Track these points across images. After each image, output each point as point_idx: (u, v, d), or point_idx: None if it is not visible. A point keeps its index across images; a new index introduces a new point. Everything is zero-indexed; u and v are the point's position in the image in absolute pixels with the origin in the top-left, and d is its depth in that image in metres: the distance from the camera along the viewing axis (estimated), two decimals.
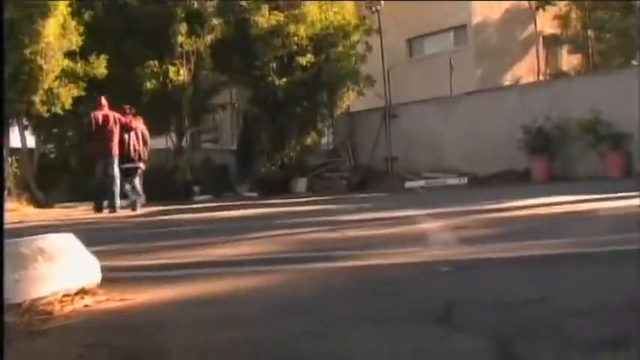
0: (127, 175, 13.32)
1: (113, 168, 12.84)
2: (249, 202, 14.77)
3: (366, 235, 6.11)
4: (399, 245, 5.01)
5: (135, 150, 13.49)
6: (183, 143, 19.85)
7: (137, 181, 13.65)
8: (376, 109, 21.42)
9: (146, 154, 13.96)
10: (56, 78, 16.02)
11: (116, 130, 12.96)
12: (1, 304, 1.87)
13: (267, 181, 18.85)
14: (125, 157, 13.23)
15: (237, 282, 3.75)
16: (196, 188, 18.51)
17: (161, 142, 20.80)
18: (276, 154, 19.59)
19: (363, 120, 21.79)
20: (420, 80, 24.14)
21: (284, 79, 18.44)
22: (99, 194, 13.11)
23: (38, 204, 16.70)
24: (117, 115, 13.20)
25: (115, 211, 12.70)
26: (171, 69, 18.16)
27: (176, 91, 18.33)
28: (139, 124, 13.88)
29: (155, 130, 19.48)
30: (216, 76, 19.32)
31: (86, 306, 3.35)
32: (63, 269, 3.63)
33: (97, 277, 3.83)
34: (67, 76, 16.37)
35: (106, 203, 12.89)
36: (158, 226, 9.36)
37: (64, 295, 3.49)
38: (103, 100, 13.24)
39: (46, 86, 15.73)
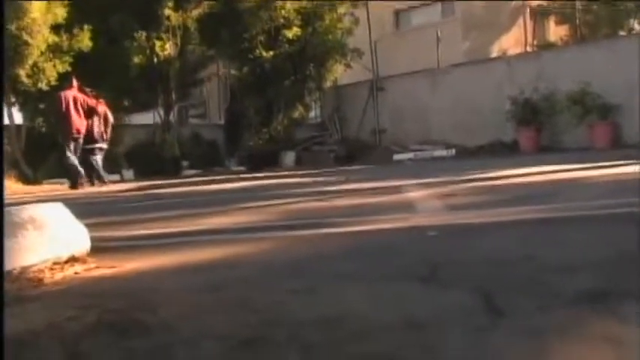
0: (92, 154, 13.99)
1: (82, 147, 13.59)
2: (238, 176, 14.78)
3: (355, 203, 6.15)
4: (386, 213, 5.05)
5: (99, 131, 14.26)
6: (171, 118, 19.78)
7: (100, 160, 14.33)
8: (363, 82, 21.39)
9: (109, 134, 14.68)
10: (41, 53, 15.91)
11: (83, 111, 13.54)
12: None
13: (256, 155, 18.86)
14: (90, 137, 13.93)
15: (230, 249, 3.77)
16: (184, 163, 18.51)
17: (148, 118, 20.73)
18: (264, 128, 19.57)
19: (351, 93, 21.77)
20: (408, 52, 24.09)
21: (271, 53, 18.38)
22: (71, 172, 13.55)
23: (27, 180, 16.67)
24: (83, 96, 13.73)
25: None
26: (158, 43, 18.05)
27: (163, 66, 18.24)
28: (102, 106, 14.49)
29: (142, 105, 19.39)
30: (203, 50, 19.24)
31: (76, 273, 3.37)
32: (53, 237, 3.64)
33: (86, 245, 3.85)
34: (52, 51, 16.25)
35: (83, 180, 13.45)
36: (148, 199, 9.37)
37: (54, 263, 3.50)
38: (75, 82, 13.75)
39: (31, 62, 15.63)
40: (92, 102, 13.85)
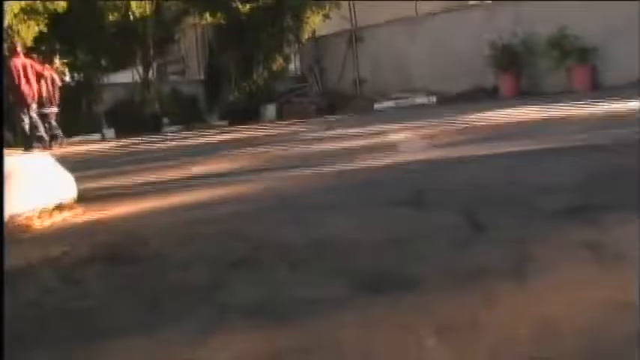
0: (44, 118, 14.13)
1: (36, 112, 13.75)
2: (220, 130, 14.75)
3: (339, 147, 6.18)
4: (370, 153, 5.09)
5: (48, 95, 14.37)
6: (150, 76, 19.59)
7: (54, 122, 14.52)
8: (342, 33, 21.24)
9: (57, 97, 14.79)
10: (15, 15, 15.66)
11: (33, 77, 13.61)
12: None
13: (237, 109, 18.75)
14: (40, 102, 14.05)
15: (219, 190, 3.81)
16: (165, 120, 18.38)
17: (127, 77, 20.51)
18: (244, 82, 19.44)
19: (330, 44, 21.62)
20: (386, 1, 23.88)
21: (248, 6, 18.19)
22: (28, 137, 13.71)
23: (7, 144, 16.56)
24: (31, 62, 13.76)
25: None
26: (133, 2, 17.80)
27: (139, 23, 18.01)
28: (49, 70, 14.49)
29: (120, 64, 19.16)
30: (179, 4, 18.99)
31: (64, 219, 3.39)
32: (40, 186, 3.67)
33: (73, 193, 3.88)
34: (27, 12, 16.00)
35: (39, 144, 13.64)
36: (131, 154, 9.36)
37: (42, 211, 3.53)
38: (19, 48, 13.79)
39: (5, 23, 15.39)
40: (39, 67, 13.93)
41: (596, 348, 1.21)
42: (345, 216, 2.50)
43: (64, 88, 15.46)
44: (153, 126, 17.64)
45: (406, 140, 5.99)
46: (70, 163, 7.34)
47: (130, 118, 17.47)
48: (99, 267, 2.12)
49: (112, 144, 13.03)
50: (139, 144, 12.25)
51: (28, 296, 1.93)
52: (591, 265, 1.65)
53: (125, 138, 14.68)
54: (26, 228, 3.18)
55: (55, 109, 14.70)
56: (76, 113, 16.69)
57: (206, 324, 1.52)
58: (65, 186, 3.85)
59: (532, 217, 2.15)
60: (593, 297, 1.45)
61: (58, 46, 17.42)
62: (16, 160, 3.70)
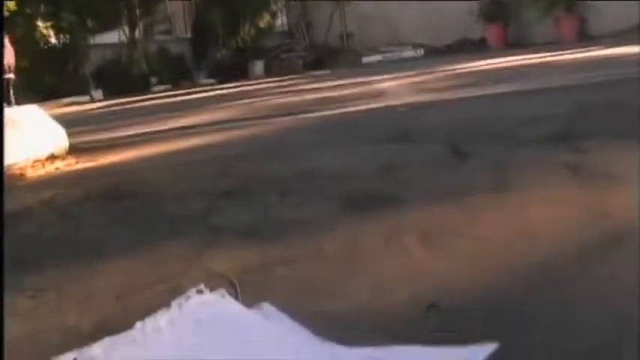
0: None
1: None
2: (209, 87, 14.71)
3: (329, 96, 6.20)
4: (359, 99, 5.12)
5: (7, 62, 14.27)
6: (137, 36, 19.43)
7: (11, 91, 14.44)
8: None
9: (13, 65, 14.65)
10: None
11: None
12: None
13: (224, 67, 18.64)
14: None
15: (210, 137, 3.84)
16: (153, 79, 18.29)
17: (113, 37, 20.34)
18: (231, 38, 19.32)
19: None
20: None
21: None
22: None
23: None
24: None
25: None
26: None
27: None
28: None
29: (107, 24, 18.97)
30: None
31: (57, 169, 3.42)
32: (31, 137, 3.70)
33: (65, 144, 3.91)
34: None
35: None
36: (120, 112, 9.35)
37: (35, 161, 3.57)
38: None
39: None
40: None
41: (577, 251, 1.27)
42: (334, 152, 2.56)
43: (50, 51, 15.29)
44: (141, 85, 17.52)
45: (394, 87, 6.02)
46: (61, 122, 7.32)
47: (118, 78, 17.35)
48: (94, 203, 2.17)
49: (101, 104, 12.98)
50: (127, 103, 12.21)
51: (27, 231, 1.98)
52: (571, 182, 1.71)
53: (113, 98, 14.62)
54: (20, 177, 3.22)
55: (11, 76, 14.56)
56: (63, 75, 16.55)
57: (199, 243, 1.58)
58: (57, 138, 3.88)
59: (516, 145, 2.21)
60: (572, 208, 1.51)
61: (42, 9, 17.21)
62: (6, 112, 3.72)
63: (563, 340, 0.95)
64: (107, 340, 1.12)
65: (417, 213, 1.57)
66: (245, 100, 6.83)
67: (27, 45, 17.69)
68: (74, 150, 3.87)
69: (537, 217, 1.47)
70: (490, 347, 0.92)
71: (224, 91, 11.37)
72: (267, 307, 1.15)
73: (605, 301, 1.03)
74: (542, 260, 1.24)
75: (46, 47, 14.79)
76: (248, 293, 1.21)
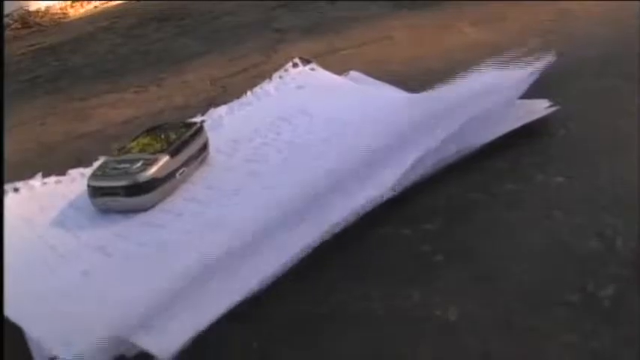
0: None
1: None
2: None
3: None
4: None
5: None
6: None
7: None
8: None
9: None
10: None
11: None
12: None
13: None
14: None
15: None
16: None
17: None
18: None
19: None
20: None
21: None
22: None
23: None
24: None
25: None
26: None
27: None
28: None
29: None
30: None
31: (96, 7, 3.51)
32: None
33: None
34: None
35: None
36: None
37: (73, 0, 3.67)
38: None
39: None
40: None
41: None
42: None
43: None
44: None
45: None
46: None
47: None
48: (152, 25, 2.33)
49: None
50: None
51: (100, 50, 2.16)
52: None
53: None
54: (64, 15, 3.32)
55: None
56: None
57: (271, 41, 1.77)
58: None
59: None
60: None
61: None
62: None
63: None
64: (226, 105, 1.33)
65: (468, 5, 1.71)
66: None
67: None
68: None
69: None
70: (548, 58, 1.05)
71: None
72: (354, 73, 1.35)
73: None
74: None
75: None
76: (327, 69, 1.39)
